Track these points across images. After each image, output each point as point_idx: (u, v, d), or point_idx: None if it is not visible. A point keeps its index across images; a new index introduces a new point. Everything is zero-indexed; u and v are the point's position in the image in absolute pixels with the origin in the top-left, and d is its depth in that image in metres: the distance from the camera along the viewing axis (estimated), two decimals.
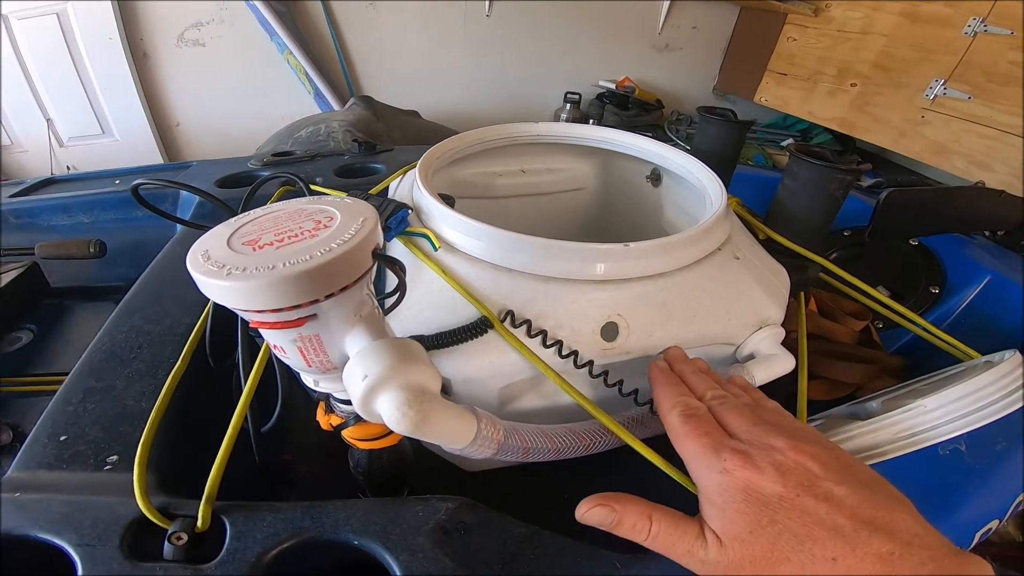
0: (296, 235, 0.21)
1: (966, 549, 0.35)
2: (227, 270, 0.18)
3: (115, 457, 0.34)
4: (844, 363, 0.57)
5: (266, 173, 0.73)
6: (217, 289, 0.18)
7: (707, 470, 0.23)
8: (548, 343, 0.30)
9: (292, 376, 0.37)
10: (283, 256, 0.19)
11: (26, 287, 0.68)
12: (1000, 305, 0.60)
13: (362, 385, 0.19)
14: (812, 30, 1.89)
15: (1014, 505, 0.37)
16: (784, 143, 2.16)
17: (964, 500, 0.35)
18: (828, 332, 0.61)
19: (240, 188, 0.69)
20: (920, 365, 0.60)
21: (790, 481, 0.21)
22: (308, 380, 0.26)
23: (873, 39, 1.68)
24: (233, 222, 0.23)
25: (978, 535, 0.36)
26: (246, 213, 0.24)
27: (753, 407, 0.27)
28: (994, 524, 0.36)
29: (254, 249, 0.20)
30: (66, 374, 0.41)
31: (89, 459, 0.34)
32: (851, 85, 1.77)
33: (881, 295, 0.50)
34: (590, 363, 0.30)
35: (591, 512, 0.25)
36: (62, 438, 0.35)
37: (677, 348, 0.33)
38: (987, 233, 0.72)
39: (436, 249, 0.34)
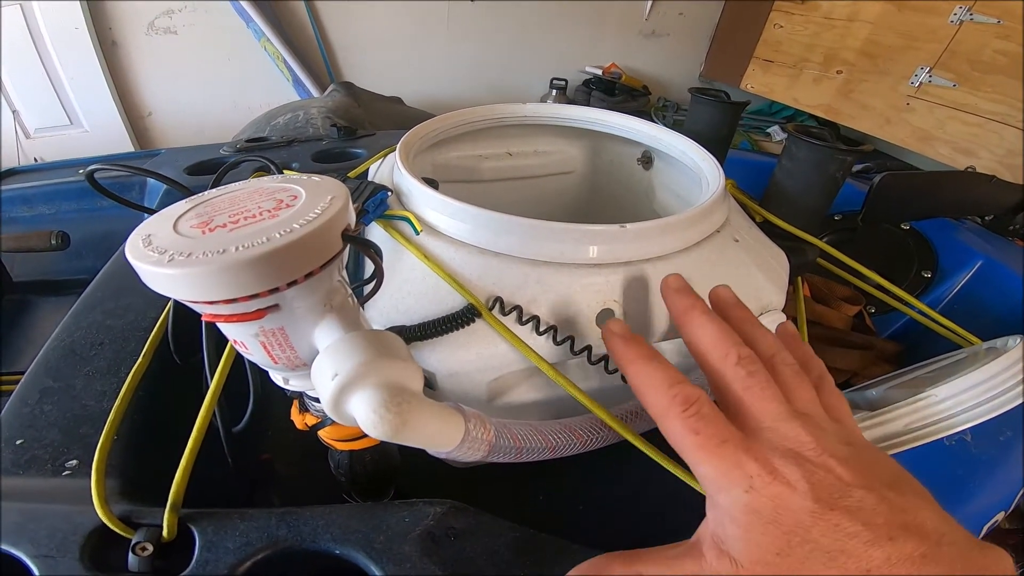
0: (253, 216, 0.18)
1: None
2: (169, 256, 0.16)
3: (74, 462, 0.32)
4: (839, 349, 0.56)
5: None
6: (158, 278, 0.16)
7: (729, 486, 0.20)
8: (541, 329, 0.27)
9: (265, 370, 0.35)
10: (236, 239, 0.16)
11: None
12: (993, 289, 0.59)
13: (332, 385, 0.17)
14: (798, 17, 1.88)
15: (1018, 496, 0.36)
16: (769, 129, 2.16)
17: (972, 493, 0.34)
18: (821, 318, 0.60)
19: (210, 175, 0.66)
20: (913, 350, 0.60)
21: (822, 494, 0.19)
22: (277, 378, 0.23)
23: (859, 26, 1.68)
24: (183, 204, 0.20)
25: (985, 528, 0.35)
26: (200, 194, 0.21)
27: (768, 384, 0.23)
28: (1000, 516, 0.36)
29: (203, 232, 0.17)
30: None
31: (47, 464, 0.31)
32: (837, 72, 1.77)
33: (880, 279, 0.49)
34: (588, 348, 0.28)
35: None
36: (18, 442, 0.33)
37: (676, 279, 0.27)
38: (977, 218, 0.72)
39: (418, 233, 0.31)
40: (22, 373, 0.48)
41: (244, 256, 0.16)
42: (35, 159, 1.91)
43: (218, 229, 0.18)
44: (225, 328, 0.19)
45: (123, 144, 1.95)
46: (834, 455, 0.20)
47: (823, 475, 0.20)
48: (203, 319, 0.18)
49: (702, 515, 0.23)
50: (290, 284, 0.17)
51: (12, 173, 0.81)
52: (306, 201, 0.19)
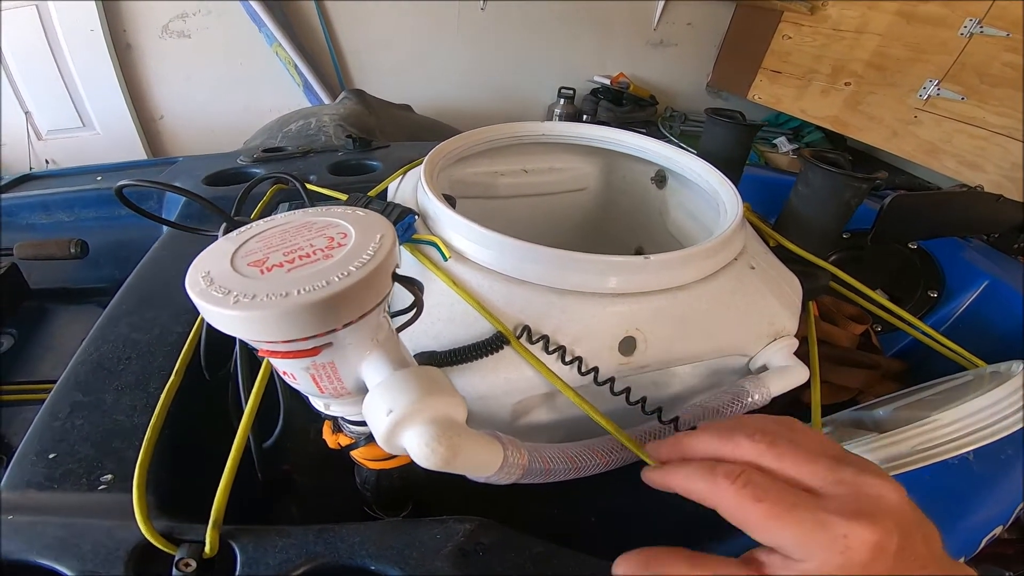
0: (308, 255, 0.19)
1: (971, 555, 0.37)
2: (234, 297, 0.17)
3: (109, 476, 0.32)
4: (845, 368, 0.57)
5: (256, 170, 0.70)
6: (223, 319, 0.17)
7: (821, 550, 0.19)
8: (567, 360, 0.28)
9: (292, 388, 0.35)
10: (296, 281, 0.17)
11: (5, 290, 0.65)
12: (999, 310, 0.60)
13: (387, 420, 0.18)
14: (807, 28, 1.89)
15: (1017, 510, 0.38)
16: (775, 140, 2.16)
17: (972, 508, 0.36)
18: (829, 336, 0.60)
19: (228, 186, 0.67)
20: (918, 369, 0.60)
21: (895, 526, 0.19)
22: (318, 404, 0.24)
23: (868, 38, 1.68)
24: (235, 237, 0.21)
25: (984, 541, 0.37)
26: (249, 226, 0.22)
27: (796, 444, 0.22)
28: (998, 530, 0.37)
29: (261, 271, 0.18)
30: (50, 381, 0.40)
31: (82, 478, 0.32)
32: (845, 84, 1.77)
33: (886, 301, 0.50)
34: (611, 380, 0.29)
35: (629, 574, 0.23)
36: (51, 456, 0.33)
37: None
38: (982, 235, 0.73)
39: (446, 259, 0.32)
40: (43, 381, 0.49)
41: (306, 300, 0.16)
42: (46, 161, 1.92)
43: (275, 268, 0.19)
44: (277, 362, 0.20)
45: (134, 147, 1.96)
46: (886, 483, 0.21)
47: (893, 508, 0.20)
48: (259, 354, 0.19)
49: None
50: (346, 324, 0.18)
51: (28, 178, 0.82)
52: (357, 241, 0.20)
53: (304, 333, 0.17)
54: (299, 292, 0.17)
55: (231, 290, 0.17)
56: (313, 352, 0.18)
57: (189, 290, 0.18)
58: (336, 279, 0.17)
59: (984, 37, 1.39)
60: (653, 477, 0.25)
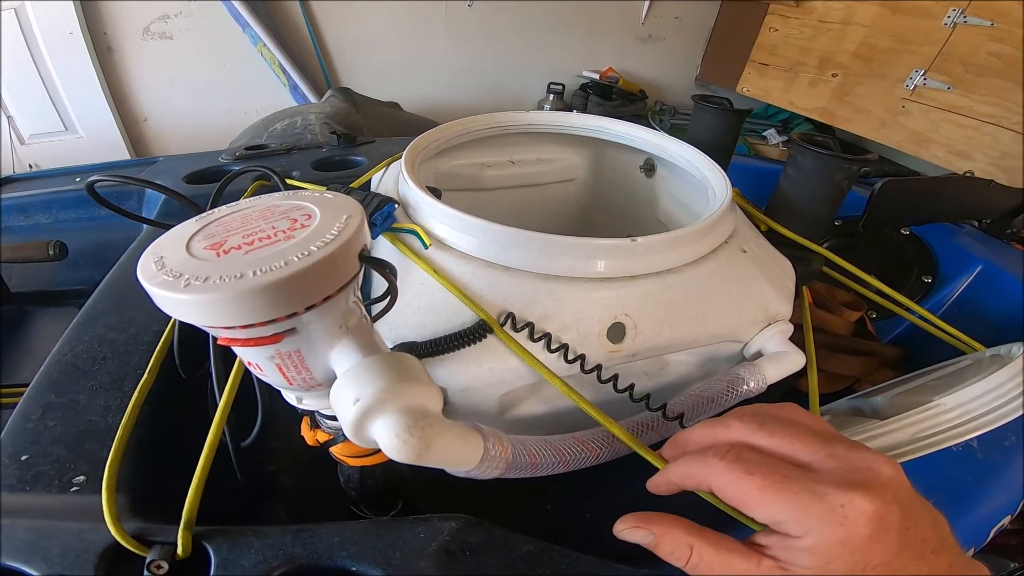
0: (268, 236, 0.18)
1: (980, 546, 0.35)
2: (184, 280, 0.16)
3: (82, 478, 0.31)
4: (842, 355, 0.56)
5: (238, 168, 0.69)
6: (173, 303, 0.16)
7: (819, 524, 0.19)
8: (553, 347, 0.27)
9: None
10: (252, 262, 0.16)
11: None
12: (993, 294, 0.59)
13: (354, 410, 0.17)
14: (794, 20, 1.89)
15: None
16: (765, 132, 2.17)
17: (979, 498, 0.35)
18: (824, 323, 0.60)
19: (210, 184, 0.65)
20: (915, 356, 0.60)
21: (893, 498, 0.19)
22: (290, 397, 0.23)
23: (854, 30, 1.69)
24: (194, 222, 0.20)
25: (993, 532, 0.36)
26: (210, 212, 0.21)
27: (787, 422, 0.22)
28: (1007, 520, 0.36)
29: (218, 254, 0.17)
30: (27, 385, 0.38)
31: (53, 480, 0.31)
32: (832, 75, 1.78)
33: (881, 284, 0.49)
34: (598, 367, 0.28)
35: (628, 532, 0.23)
36: (23, 458, 0.32)
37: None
38: (974, 221, 0.72)
39: (427, 247, 0.31)
40: (21, 385, 0.47)
41: (262, 281, 0.15)
42: (30, 165, 1.89)
43: (232, 251, 0.17)
44: (240, 351, 0.19)
45: (118, 150, 1.94)
46: (882, 458, 0.20)
47: (889, 478, 0.20)
48: (218, 343, 0.17)
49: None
50: (308, 308, 0.17)
51: (9, 181, 0.80)
52: (321, 221, 0.19)
53: (262, 317, 0.16)
54: (255, 273, 0.16)
55: (183, 274, 0.16)
56: (276, 339, 0.17)
57: (140, 276, 0.17)
58: (295, 259, 0.16)
59: (968, 27, 1.40)
60: (656, 480, 0.25)
